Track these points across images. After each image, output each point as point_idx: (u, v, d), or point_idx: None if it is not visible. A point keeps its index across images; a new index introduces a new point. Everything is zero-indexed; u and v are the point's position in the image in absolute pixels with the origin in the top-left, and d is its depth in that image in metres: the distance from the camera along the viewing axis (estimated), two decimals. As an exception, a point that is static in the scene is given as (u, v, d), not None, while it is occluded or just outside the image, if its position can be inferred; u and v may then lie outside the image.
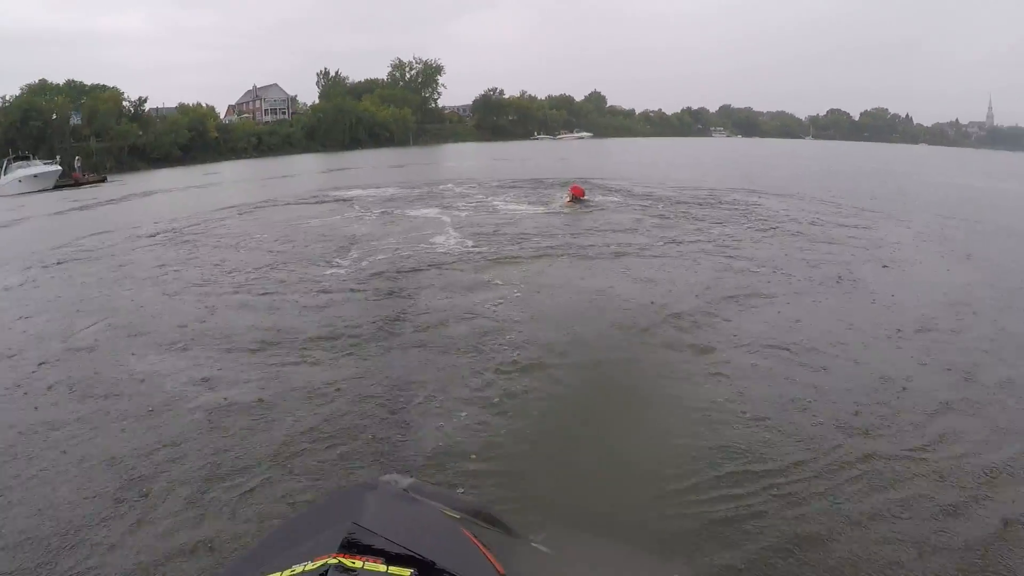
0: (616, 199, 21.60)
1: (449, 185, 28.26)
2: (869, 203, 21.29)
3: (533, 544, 2.19)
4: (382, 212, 19.86)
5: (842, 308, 9.27)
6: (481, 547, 1.54)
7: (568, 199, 19.88)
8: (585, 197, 20.44)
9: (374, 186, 29.09)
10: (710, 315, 8.87)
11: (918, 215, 18.76)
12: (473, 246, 13.92)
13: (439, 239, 14.87)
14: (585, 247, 13.56)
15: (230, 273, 12.45)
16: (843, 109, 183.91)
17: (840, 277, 10.93)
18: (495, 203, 21.30)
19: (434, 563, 1.38)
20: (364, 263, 12.84)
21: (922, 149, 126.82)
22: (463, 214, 18.70)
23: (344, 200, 24.09)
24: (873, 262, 12.13)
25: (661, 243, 13.88)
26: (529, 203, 20.89)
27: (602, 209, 19.11)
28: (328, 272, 12.19)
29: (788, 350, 7.54)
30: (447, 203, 21.55)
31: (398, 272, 11.88)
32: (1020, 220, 19.44)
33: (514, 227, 16.13)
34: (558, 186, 24.88)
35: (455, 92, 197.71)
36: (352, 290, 10.75)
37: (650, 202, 20.73)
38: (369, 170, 40.46)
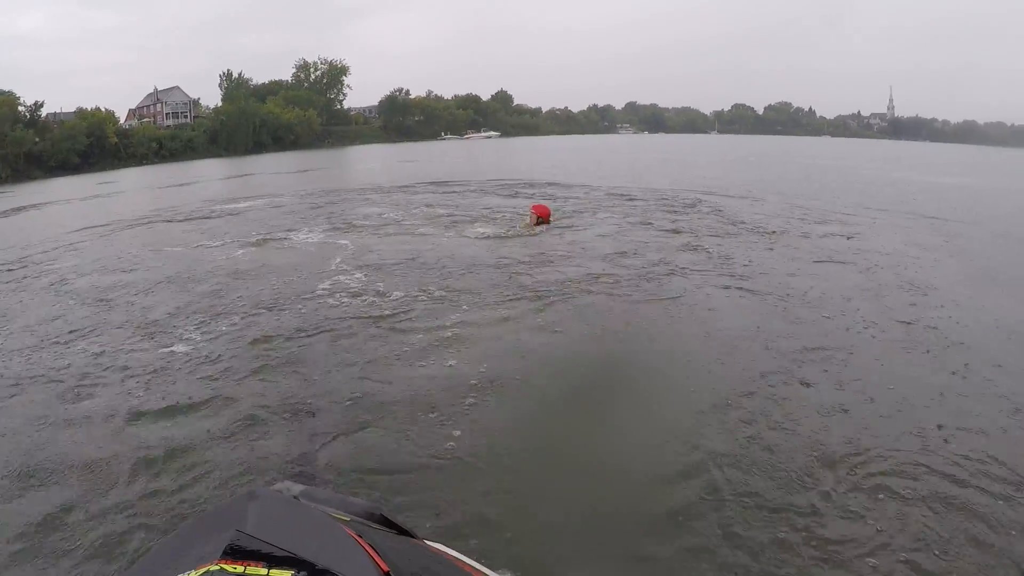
0: (573, 206, 18.81)
1: (353, 194, 24.23)
2: (839, 203, 20.39)
3: (427, 542, 1.97)
4: (265, 237, 15.41)
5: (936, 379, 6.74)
6: (366, 546, 1.46)
7: (533, 221, 15.50)
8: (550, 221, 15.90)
9: (271, 195, 25.10)
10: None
11: (898, 217, 17.95)
12: (382, 297, 9.84)
13: (333, 281, 10.85)
14: (574, 291, 9.91)
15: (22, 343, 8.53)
16: (747, 104, 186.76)
17: (905, 320, 8.71)
18: (413, 220, 17.33)
19: (315, 564, 1.33)
20: (223, 326, 8.73)
21: (825, 141, 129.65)
22: (368, 240, 14.65)
23: (234, 214, 20.24)
24: (908, 289, 10.27)
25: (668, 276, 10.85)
26: (448, 221, 17.04)
27: (570, 228, 15.48)
28: (162, 352, 7.87)
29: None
30: (350, 220, 17.61)
31: (269, 349, 7.79)
32: (989, 217, 18.63)
33: (449, 260, 12.26)
34: (479, 193, 21.91)
35: (361, 93, 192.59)
36: (189, 404, 6.35)
37: (612, 211, 17.84)
38: (268, 177, 35.69)
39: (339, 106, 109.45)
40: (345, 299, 9.66)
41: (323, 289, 10.29)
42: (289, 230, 15.95)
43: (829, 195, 22.31)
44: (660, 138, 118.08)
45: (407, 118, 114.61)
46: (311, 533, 1.50)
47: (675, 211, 17.81)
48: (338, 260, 12.34)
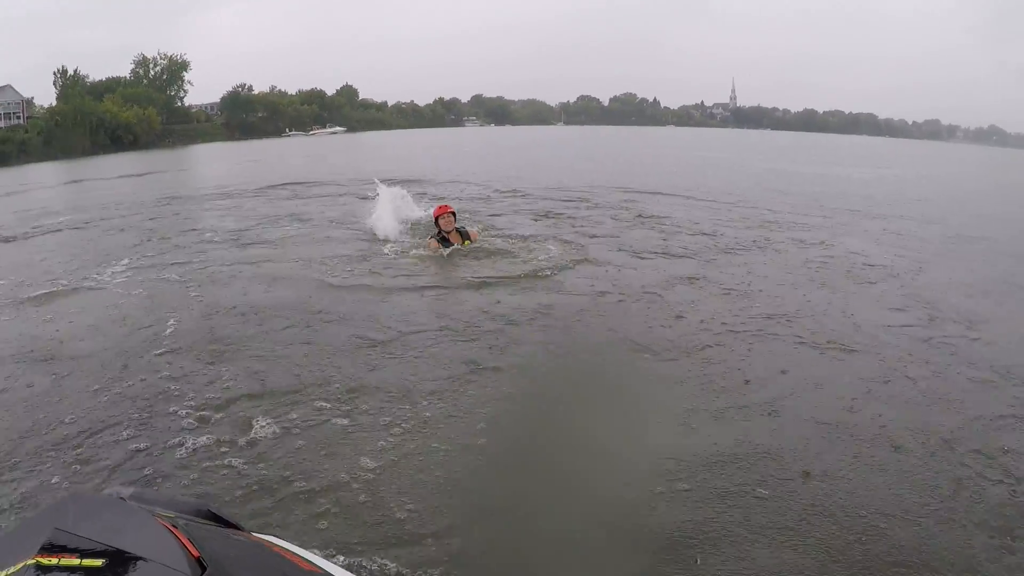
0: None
1: (198, 203, 18.46)
2: (766, 201, 18.27)
3: (252, 534, 1.92)
4: (68, 278, 9.78)
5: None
6: (180, 536, 1.48)
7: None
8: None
9: (100, 205, 18.66)
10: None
11: (840, 214, 16.23)
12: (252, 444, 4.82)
13: (157, 395, 5.76)
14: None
15: None
16: (593, 95, 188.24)
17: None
18: (277, 241, 12.29)
19: (126, 552, 1.37)
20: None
21: (671, 130, 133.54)
22: (218, 280, 9.42)
23: (52, 231, 14.34)
24: (916, 306, 8.54)
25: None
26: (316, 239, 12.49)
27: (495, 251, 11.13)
28: None
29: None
30: (192, 243, 12.28)
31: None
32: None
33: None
34: (348, 197, 18.06)
35: (203, 90, 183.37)
36: None
37: (530, 220, 14.20)
38: (103, 183, 28.80)
39: (180, 103, 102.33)
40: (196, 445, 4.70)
41: (134, 428, 5.00)
42: (106, 264, 10.51)
43: (761, 195, 19.94)
44: (511, 130, 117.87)
45: (250, 115, 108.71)
46: (127, 527, 1.52)
47: (617, 216, 14.80)
48: (170, 329, 7.13)
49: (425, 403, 5.33)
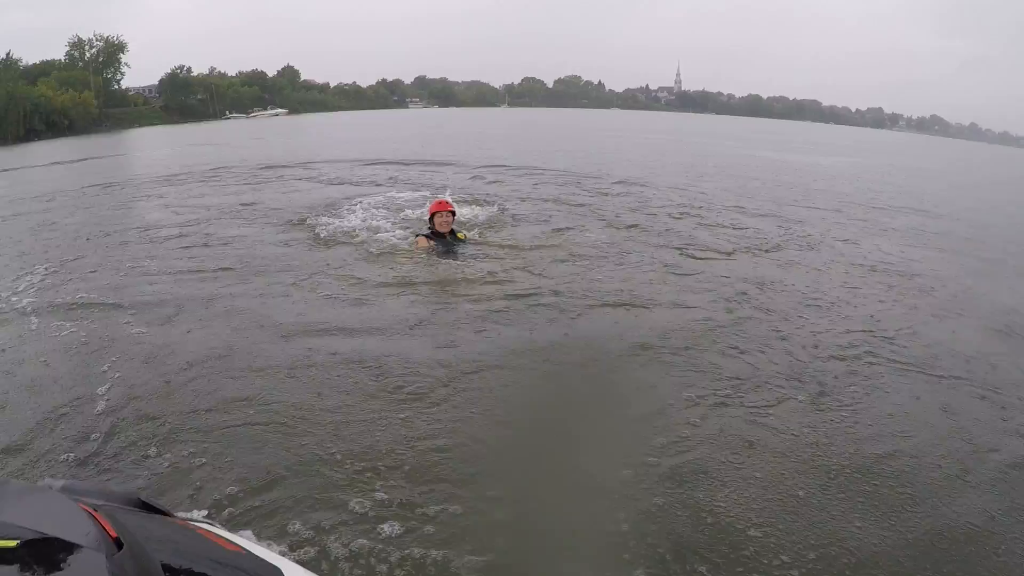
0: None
1: (140, 192, 15.76)
2: (766, 195, 16.55)
3: (178, 518, 1.83)
4: None
5: None
6: (100, 519, 1.41)
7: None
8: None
9: (29, 197, 15.17)
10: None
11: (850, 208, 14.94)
12: None
13: None
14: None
15: None
16: (538, 77, 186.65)
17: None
18: (232, 240, 10.05)
19: (43, 533, 1.31)
20: None
21: (615, 113, 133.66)
22: (165, 316, 6.80)
23: None
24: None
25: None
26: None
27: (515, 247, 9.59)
28: None
29: None
30: (136, 252, 9.57)
31: None
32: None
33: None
34: (309, 183, 15.92)
35: (140, 73, 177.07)
36: None
37: (543, 208, 12.61)
38: (36, 172, 25.85)
39: (117, 87, 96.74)
40: None
41: None
42: (20, 276, 8.18)
43: (757, 188, 18.86)
44: (451, 112, 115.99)
45: (189, 97, 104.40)
46: (47, 511, 1.47)
47: (633, 206, 13.34)
48: (100, 405, 4.72)
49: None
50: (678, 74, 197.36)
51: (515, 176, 17.57)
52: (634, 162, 23.32)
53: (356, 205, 12.29)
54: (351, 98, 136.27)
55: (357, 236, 9.85)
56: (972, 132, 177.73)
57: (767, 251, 9.95)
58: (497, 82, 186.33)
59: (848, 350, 6.04)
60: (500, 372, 5.39)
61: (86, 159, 29.73)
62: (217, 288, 7.42)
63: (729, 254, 9.60)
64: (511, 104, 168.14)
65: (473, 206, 12.50)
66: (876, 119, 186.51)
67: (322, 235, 9.95)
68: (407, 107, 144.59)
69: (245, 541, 1.76)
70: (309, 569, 2.12)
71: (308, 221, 10.90)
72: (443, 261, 8.57)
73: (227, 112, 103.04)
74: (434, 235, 9.00)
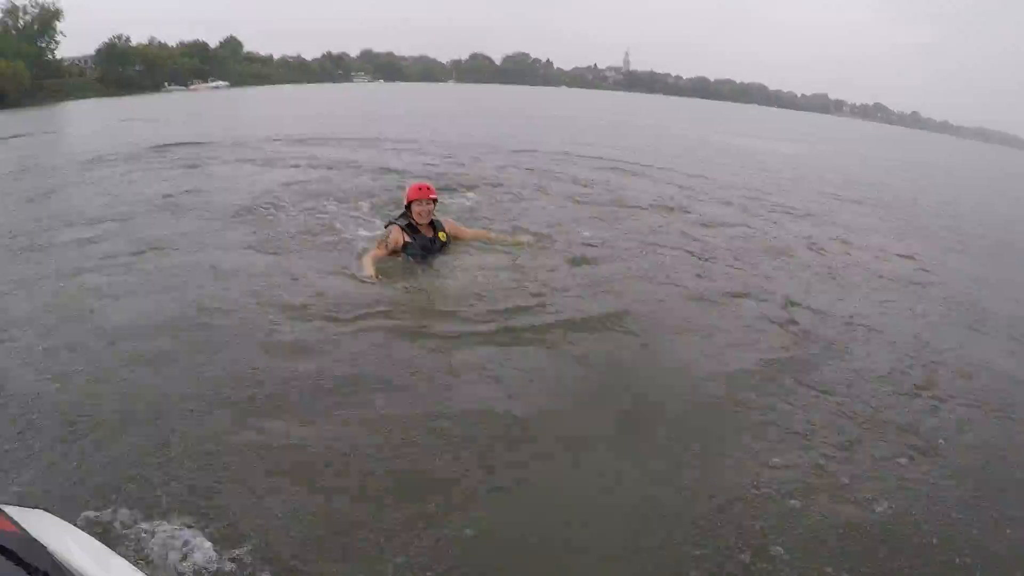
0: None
1: (68, 173, 13.94)
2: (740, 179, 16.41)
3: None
4: None
5: None
6: None
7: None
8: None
9: None
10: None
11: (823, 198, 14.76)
12: None
13: None
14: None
15: None
16: (486, 54, 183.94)
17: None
18: (164, 236, 8.86)
19: None
20: None
21: (563, 91, 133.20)
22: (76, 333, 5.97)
23: None
24: None
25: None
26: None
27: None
28: None
29: None
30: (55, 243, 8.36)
31: None
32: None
33: None
34: (256, 165, 14.29)
35: (77, 41, 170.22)
36: None
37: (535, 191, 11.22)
38: None
39: (51, 57, 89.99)
40: None
41: None
42: None
43: (741, 173, 18.63)
44: (397, 87, 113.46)
45: (127, 68, 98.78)
46: None
47: (630, 197, 12.31)
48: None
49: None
50: (626, 54, 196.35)
51: (486, 156, 16.36)
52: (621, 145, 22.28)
53: (307, 194, 10.88)
54: (296, 71, 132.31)
55: (312, 234, 8.55)
56: (914, 120, 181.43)
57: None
58: (444, 58, 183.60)
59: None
60: (534, 446, 4.12)
61: (13, 137, 27.18)
62: (131, 322, 5.74)
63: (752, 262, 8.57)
64: (458, 80, 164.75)
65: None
66: (821, 105, 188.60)
67: (269, 235, 8.52)
68: (352, 81, 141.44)
69: (37, 518, 1.85)
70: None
71: (251, 216, 9.50)
72: (421, 270, 7.18)
73: (166, 84, 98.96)
74: (411, 227, 7.31)
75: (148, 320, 5.69)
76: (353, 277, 6.89)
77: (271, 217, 9.48)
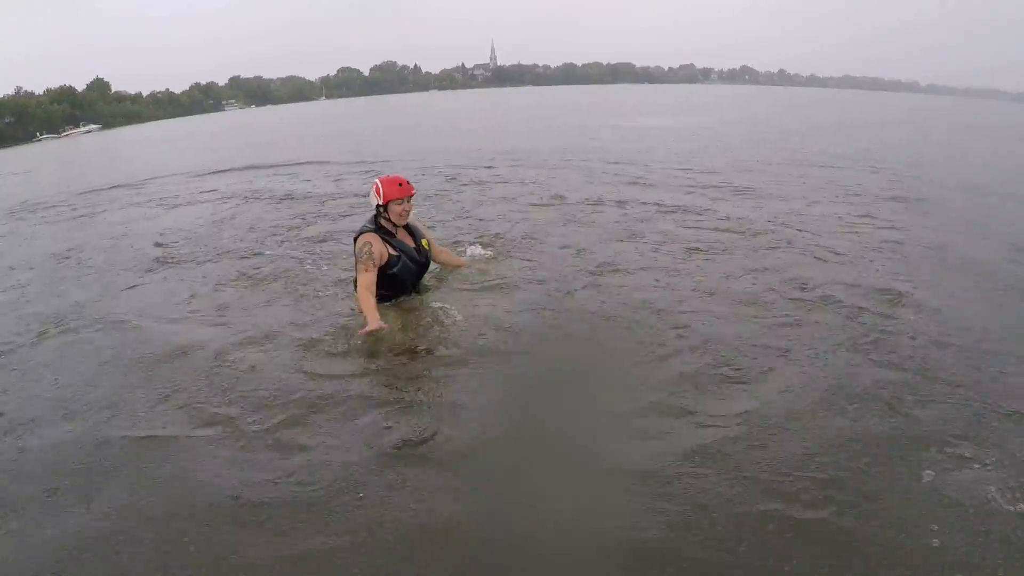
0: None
1: None
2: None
3: None
4: None
5: None
6: None
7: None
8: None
9: None
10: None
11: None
12: None
13: None
14: None
15: None
16: (353, 66, 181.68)
17: None
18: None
19: None
20: None
21: (433, 95, 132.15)
22: None
23: None
24: None
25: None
26: None
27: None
28: None
29: None
30: None
31: None
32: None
33: None
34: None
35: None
36: None
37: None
38: None
39: None
40: None
41: None
42: None
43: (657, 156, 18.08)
44: (267, 111, 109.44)
45: None
46: None
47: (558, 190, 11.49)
48: None
49: None
50: (493, 50, 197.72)
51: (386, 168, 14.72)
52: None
53: (223, 230, 9.08)
54: (165, 106, 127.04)
55: (250, 279, 6.73)
56: (782, 78, 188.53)
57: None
58: (313, 75, 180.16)
59: None
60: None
61: None
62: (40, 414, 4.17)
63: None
64: (329, 96, 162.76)
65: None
66: (689, 75, 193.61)
67: (199, 290, 6.56)
68: (224, 110, 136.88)
69: None
70: None
71: (169, 266, 7.56)
72: (405, 301, 5.51)
73: (38, 133, 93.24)
74: (386, 232, 5.38)
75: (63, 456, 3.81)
76: (344, 332, 5.14)
77: (193, 264, 7.62)
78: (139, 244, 8.83)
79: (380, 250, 5.21)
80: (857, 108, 47.45)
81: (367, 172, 14.49)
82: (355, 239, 5.35)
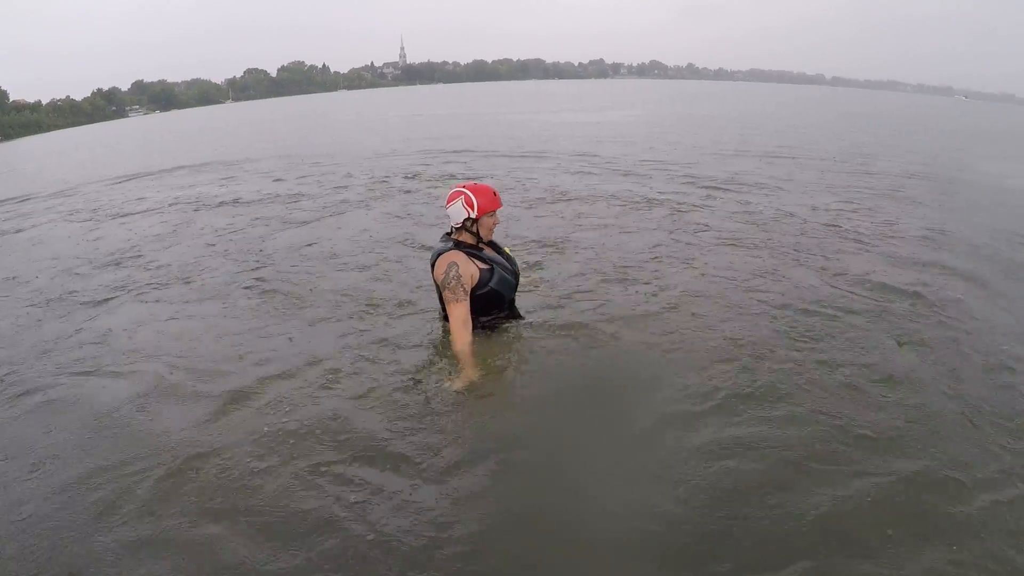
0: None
1: None
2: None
3: None
4: None
5: None
6: None
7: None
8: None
9: None
10: None
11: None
12: None
13: None
14: None
15: None
16: (260, 67, 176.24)
17: None
18: None
19: None
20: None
21: (342, 95, 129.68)
22: None
23: None
24: None
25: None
26: None
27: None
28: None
29: None
30: None
31: None
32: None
33: None
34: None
35: None
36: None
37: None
38: None
39: None
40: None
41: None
42: None
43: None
44: (174, 116, 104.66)
45: None
46: None
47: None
48: None
49: None
50: (402, 48, 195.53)
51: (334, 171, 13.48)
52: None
53: (180, 241, 7.69)
54: (67, 115, 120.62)
55: (239, 295, 5.47)
56: (690, 72, 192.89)
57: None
58: (219, 77, 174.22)
59: None
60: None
61: None
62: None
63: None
64: (235, 99, 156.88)
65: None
66: (599, 70, 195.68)
67: (182, 322, 5.20)
68: (128, 116, 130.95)
69: None
70: None
71: (127, 293, 6.08)
72: (503, 329, 4.34)
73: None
74: (469, 247, 4.20)
75: None
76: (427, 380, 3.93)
77: (165, 287, 6.22)
78: (82, 267, 7.28)
79: (469, 270, 4.09)
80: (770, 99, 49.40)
81: (302, 173, 13.28)
82: (433, 263, 4.17)
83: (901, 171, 12.61)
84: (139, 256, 7.39)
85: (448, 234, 4.27)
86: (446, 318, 4.13)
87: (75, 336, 5.06)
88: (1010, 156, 17.37)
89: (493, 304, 4.24)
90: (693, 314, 4.80)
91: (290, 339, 4.65)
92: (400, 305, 5.10)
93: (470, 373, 3.76)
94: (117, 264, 7.13)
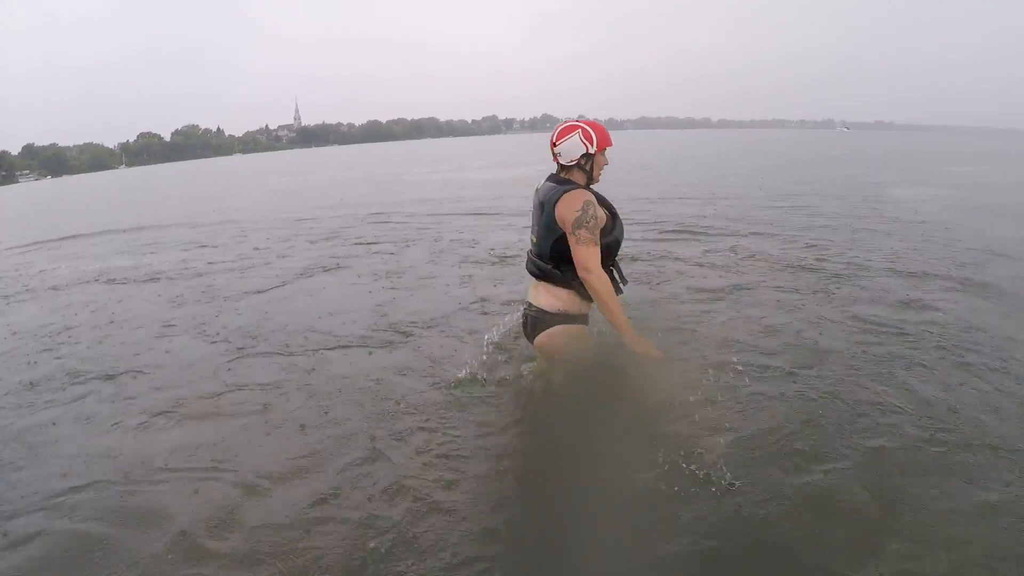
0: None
1: None
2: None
3: None
4: None
5: None
6: None
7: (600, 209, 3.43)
8: None
9: None
10: None
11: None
12: None
13: None
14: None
15: None
16: (154, 131, 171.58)
17: None
18: None
19: None
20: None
21: (236, 159, 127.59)
22: None
23: None
24: None
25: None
26: None
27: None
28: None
29: None
30: None
31: None
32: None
33: None
34: None
35: None
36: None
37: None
38: None
39: None
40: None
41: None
42: None
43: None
44: (66, 182, 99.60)
45: None
46: None
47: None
48: None
49: None
50: (296, 110, 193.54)
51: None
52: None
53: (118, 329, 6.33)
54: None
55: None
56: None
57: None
58: (112, 141, 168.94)
59: None
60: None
61: None
62: None
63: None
64: (128, 164, 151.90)
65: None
66: (492, 126, 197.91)
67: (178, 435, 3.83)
68: (18, 182, 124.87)
69: None
70: None
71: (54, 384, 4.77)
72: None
73: None
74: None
75: None
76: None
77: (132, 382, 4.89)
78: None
79: (600, 212, 3.34)
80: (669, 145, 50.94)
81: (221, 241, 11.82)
82: (555, 200, 3.29)
83: (826, 206, 12.36)
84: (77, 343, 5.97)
85: (556, 174, 3.48)
86: (542, 276, 3.43)
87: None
88: (915, 181, 17.80)
89: (606, 256, 3.38)
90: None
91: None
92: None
93: (646, 343, 3.26)
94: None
